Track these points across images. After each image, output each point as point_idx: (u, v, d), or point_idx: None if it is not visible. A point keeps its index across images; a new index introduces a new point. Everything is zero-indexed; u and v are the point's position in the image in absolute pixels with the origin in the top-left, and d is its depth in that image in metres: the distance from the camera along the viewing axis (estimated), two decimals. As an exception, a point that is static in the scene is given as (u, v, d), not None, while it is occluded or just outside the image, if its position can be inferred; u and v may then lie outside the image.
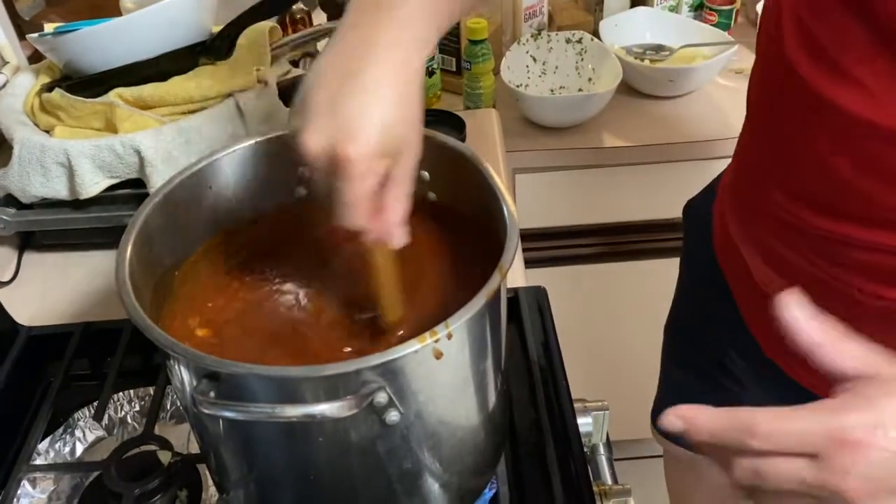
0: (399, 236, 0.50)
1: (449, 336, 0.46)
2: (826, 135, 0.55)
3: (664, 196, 1.22)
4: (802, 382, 0.71)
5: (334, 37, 0.48)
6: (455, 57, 1.32)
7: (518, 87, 1.28)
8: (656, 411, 1.05)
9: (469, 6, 0.58)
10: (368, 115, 0.45)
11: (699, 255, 0.84)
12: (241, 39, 0.92)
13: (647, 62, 1.34)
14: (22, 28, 1.18)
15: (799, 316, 0.43)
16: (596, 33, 1.38)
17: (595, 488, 0.67)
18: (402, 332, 0.57)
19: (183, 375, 0.48)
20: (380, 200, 0.48)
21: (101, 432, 0.72)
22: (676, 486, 1.22)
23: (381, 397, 0.46)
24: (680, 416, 0.43)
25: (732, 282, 0.78)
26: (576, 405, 0.72)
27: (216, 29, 0.94)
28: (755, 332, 0.75)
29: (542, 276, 1.29)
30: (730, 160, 0.77)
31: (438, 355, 0.47)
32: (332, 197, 0.47)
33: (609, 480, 0.81)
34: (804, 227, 0.59)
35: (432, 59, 1.24)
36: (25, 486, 0.66)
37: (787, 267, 0.63)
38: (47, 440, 0.70)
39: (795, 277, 0.57)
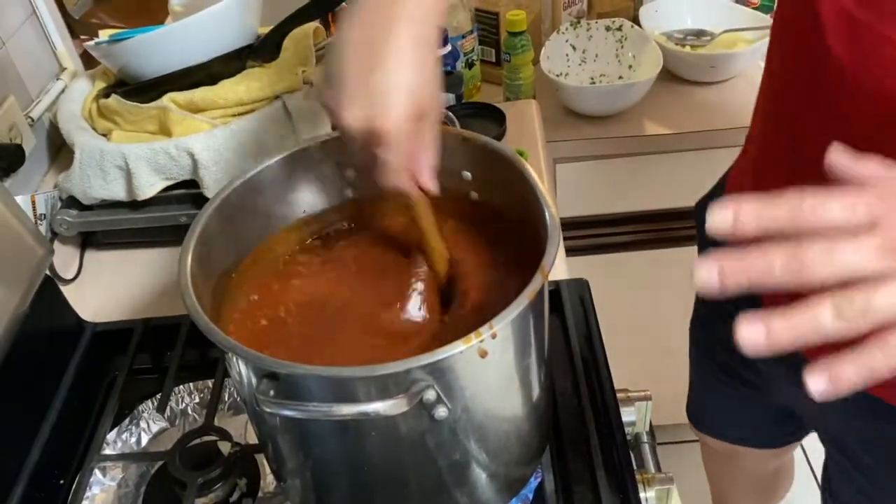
0: (434, 183, 0.55)
1: (493, 336, 0.48)
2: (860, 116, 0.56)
3: (706, 183, 1.21)
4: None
5: (357, 6, 0.51)
6: (495, 48, 1.33)
7: (558, 76, 1.29)
8: (690, 407, 1.07)
9: None
10: (396, 84, 0.49)
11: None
12: (287, 41, 0.94)
13: (687, 48, 1.33)
14: (73, 27, 1.22)
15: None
16: (636, 20, 1.37)
17: (638, 476, 0.68)
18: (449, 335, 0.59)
19: (243, 374, 0.51)
20: (413, 155, 0.53)
21: (164, 423, 0.76)
22: (715, 475, 1.24)
23: (430, 394, 0.48)
24: (723, 210, 0.40)
25: None
26: (619, 395, 0.73)
27: (262, 31, 0.97)
28: None
29: (583, 265, 1.30)
30: None
31: (483, 354, 0.49)
32: (374, 166, 0.52)
33: (652, 468, 0.82)
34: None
35: (471, 50, 1.26)
36: (97, 473, 0.70)
37: None
38: (115, 431, 0.74)
39: None
